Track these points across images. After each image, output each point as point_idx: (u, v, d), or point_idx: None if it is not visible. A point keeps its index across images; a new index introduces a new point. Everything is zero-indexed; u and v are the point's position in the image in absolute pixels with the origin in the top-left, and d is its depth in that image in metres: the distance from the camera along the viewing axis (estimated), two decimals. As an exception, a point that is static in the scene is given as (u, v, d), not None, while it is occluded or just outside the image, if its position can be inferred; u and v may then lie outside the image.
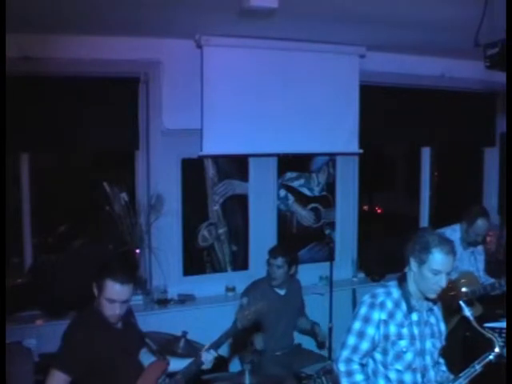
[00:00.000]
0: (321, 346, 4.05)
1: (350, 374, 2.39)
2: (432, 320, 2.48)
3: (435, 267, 2.29)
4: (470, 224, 3.90)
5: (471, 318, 2.38)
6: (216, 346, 2.73)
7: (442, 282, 2.31)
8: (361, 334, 2.38)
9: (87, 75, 3.95)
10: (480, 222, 3.88)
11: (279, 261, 3.82)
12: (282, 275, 3.85)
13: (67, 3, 3.04)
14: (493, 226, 5.34)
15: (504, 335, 2.86)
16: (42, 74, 3.79)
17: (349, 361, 2.40)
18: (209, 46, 4.07)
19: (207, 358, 2.69)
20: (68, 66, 3.86)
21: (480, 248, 4.10)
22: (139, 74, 4.19)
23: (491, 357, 2.34)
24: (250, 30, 3.89)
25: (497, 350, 2.33)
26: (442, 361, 2.57)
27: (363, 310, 2.40)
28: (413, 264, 2.37)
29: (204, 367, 2.71)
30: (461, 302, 2.40)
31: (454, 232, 3.91)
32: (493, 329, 2.61)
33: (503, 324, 2.87)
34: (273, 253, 3.89)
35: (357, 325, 2.40)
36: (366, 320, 2.38)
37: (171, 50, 4.18)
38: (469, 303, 3.74)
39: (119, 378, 2.57)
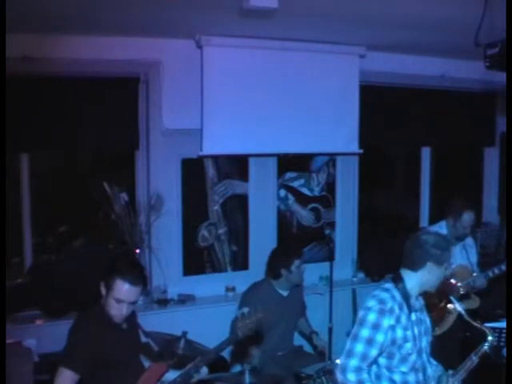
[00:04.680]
0: (320, 354, 3.90)
1: (361, 383, 2.29)
2: (423, 317, 2.52)
3: (450, 261, 2.50)
4: (456, 219, 3.90)
5: (463, 312, 2.50)
6: (216, 352, 2.72)
7: (447, 271, 2.52)
8: (370, 342, 2.30)
9: (87, 75, 3.95)
10: (466, 216, 3.89)
11: (301, 262, 3.82)
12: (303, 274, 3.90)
13: (67, 3, 3.03)
14: (493, 226, 5.38)
15: (504, 335, 2.87)
16: (42, 74, 3.79)
17: (359, 370, 2.29)
18: (209, 45, 4.07)
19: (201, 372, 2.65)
20: (68, 66, 3.86)
21: (470, 241, 4.09)
22: (139, 74, 4.19)
23: (486, 347, 2.45)
24: (250, 29, 3.89)
25: (490, 338, 2.45)
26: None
27: (372, 317, 2.32)
28: (431, 267, 2.40)
29: (193, 380, 2.65)
30: (451, 297, 2.50)
31: (440, 229, 3.90)
32: (493, 329, 2.62)
33: (503, 324, 2.88)
34: (300, 255, 3.84)
35: (365, 332, 2.31)
36: (376, 327, 2.30)
37: (171, 50, 4.18)
38: (465, 296, 3.78)
39: (122, 377, 2.58)
